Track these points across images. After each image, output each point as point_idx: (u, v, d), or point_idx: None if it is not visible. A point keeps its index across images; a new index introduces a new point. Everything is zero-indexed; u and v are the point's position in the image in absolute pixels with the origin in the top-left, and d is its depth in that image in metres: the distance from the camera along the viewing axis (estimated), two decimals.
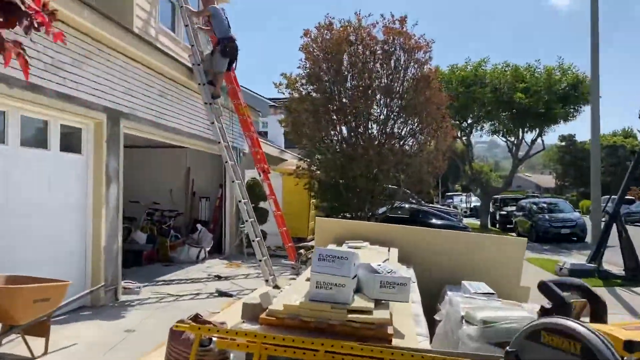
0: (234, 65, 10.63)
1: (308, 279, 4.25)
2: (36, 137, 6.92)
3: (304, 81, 14.47)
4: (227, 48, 9.95)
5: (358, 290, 3.51)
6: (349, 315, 3.06)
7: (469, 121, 26.65)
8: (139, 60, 8.71)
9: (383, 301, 3.44)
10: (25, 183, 6.48)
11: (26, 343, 5.32)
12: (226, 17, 10.14)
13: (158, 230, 12.74)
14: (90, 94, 7.41)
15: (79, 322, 6.78)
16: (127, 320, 6.95)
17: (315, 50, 14.10)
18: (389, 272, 3.67)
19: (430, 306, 4.67)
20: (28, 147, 6.59)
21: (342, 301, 3.18)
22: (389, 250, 5.94)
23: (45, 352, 5.46)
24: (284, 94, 15.17)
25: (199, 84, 9.91)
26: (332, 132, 14.65)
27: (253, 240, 9.31)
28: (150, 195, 13.63)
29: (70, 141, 7.56)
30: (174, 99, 10.18)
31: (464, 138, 27.48)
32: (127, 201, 12.14)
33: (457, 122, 25.02)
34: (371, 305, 3.27)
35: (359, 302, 3.28)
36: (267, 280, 8.88)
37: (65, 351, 5.66)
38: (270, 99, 27.37)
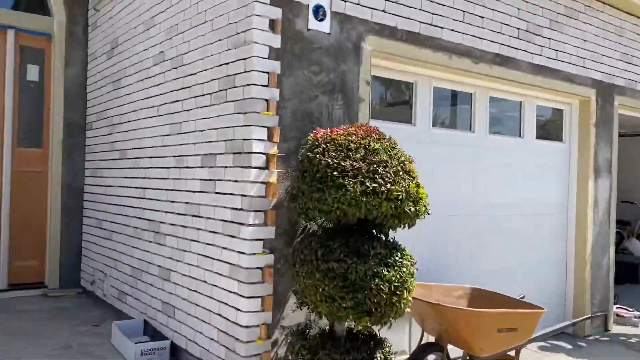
0: None
1: None
2: (506, 123, 5.80)
3: None
4: None
5: None
6: None
7: None
8: None
9: None
10: (492, 177, 5.42)
11: None
12: None
13: None
14: (573, 64, 5.80)
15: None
16: None
17: None
18: None
19: None
20: (497, 135, 5.52)
21: None
22: None
23: None
24: None
25: None
26: None
27: None
28: None
29: (546, 126, 6.16)
30: None
31: None
32: (618, 201, 9.93)
33: None
34: None
35: None
36: None
37: None
38: None
